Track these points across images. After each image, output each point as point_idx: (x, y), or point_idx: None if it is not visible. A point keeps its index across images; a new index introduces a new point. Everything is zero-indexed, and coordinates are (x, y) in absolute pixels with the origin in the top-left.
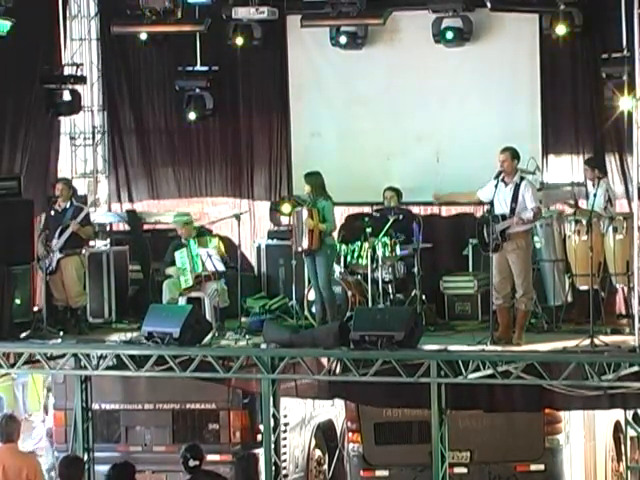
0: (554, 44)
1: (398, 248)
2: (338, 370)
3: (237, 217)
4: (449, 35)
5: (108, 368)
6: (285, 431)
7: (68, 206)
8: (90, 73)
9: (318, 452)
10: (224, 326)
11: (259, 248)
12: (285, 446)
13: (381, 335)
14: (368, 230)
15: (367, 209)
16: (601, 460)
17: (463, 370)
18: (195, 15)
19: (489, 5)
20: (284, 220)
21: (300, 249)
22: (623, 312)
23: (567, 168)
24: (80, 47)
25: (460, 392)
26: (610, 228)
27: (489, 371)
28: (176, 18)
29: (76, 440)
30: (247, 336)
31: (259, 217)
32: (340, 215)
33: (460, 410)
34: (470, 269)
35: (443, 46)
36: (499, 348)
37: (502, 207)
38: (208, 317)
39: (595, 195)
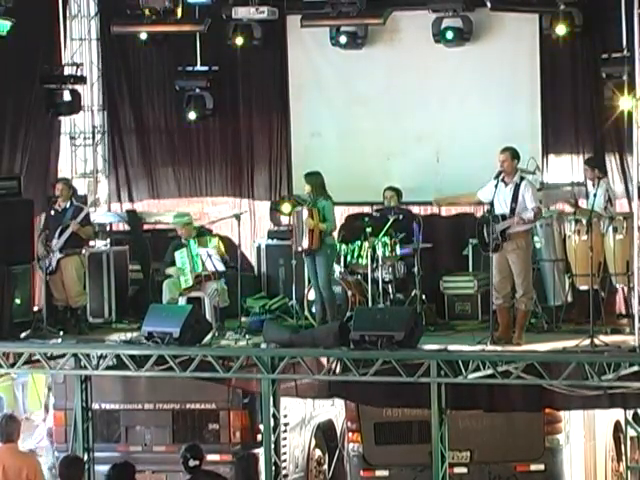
0: (554, 44)
1: (398, 248)
2: (338, 370)
3: (237, 217)
4: (449, 35)
5: (108, 368)
6: (285, 431)
7: (68, 206)
8: (90, 73)
9: (318, 452)
10: (224, 326)
11: (259, 248)
12: (285, 446)
13: (381, 335)
14: (368, 230)
15: (367, 209)
16: (601, 460)
17: (463, 370)
18: (195, 15)
19: (489, 5)
20: (284, 220)
21: (300, 249)
22: (623, 312)
23: (567, 168)
24: (80, 47)
25: (460, 392)
26: (610, 228)
27: (489, 371)
28: (176, 18)
29: (76, 440)
30: (247, 336)
31: (259, 217)
32: (340, 215)
33: (460, 410)
34: (470, 269)
35: (443, 46)
36: (499, 348)
37: (502, 207)
38: (208, 317)
39: (595, 195)
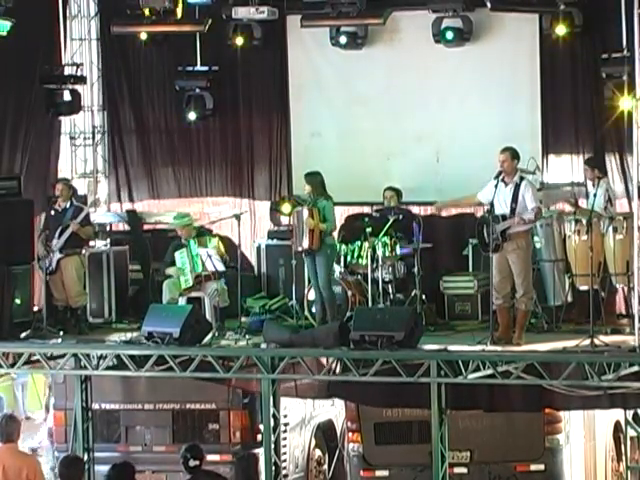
0: (554, 44)
1: (398, 248)
2: (338, 370)
3: (237, 217)
4: (449, 35)
5: (108, 368)
6: (285, 431)
7: (68, 206)
8: (90, 73)
9: (318, 452)
10: (224, 326)
11: (259, 248)
12: (285, 446)
13: (381, 335)
14: (368, 230)
15: (367, 209)
16: (601, 460)
17: (463, 370)
18: (195, 15)
19: (489, 5)
20: (284, 220)
21: (300, 249)
22: (623, 312)
23: (567, 168)
24: (80, 47)
25: (460, 392)
26: (610, 228)
27: (489, 371)
28: (176, 18)
29: (76, 440)
30: (247, 336)
31: (259, 217)
32: (340, 215)
33: (460, 410)
34: (470, 269)
35: (443, 46)
36: (499, 348)
37: (502, 207)
38: (208, 317)
39: (595, 195)
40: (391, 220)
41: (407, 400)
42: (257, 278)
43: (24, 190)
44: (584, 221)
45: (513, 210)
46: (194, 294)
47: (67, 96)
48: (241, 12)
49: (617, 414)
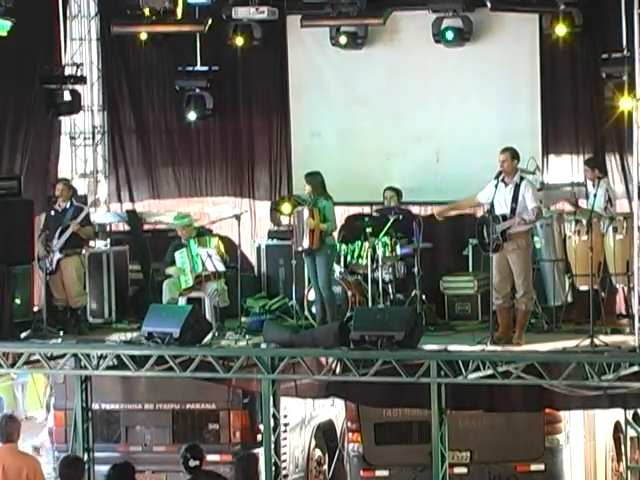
0: (554, 44)
1: (398, 248)
2: (338, 370)
3: (237, 217)
4: (449, 35)
5: (108, 368)
6: (285, 431)
7: (68, 206)
8: (90, 73)
9: (318, 452)
10: (224, 326)
11: (259, 248)
12: (285, 446)
13: (381, 335)
14: (368, 230)
15: (367, 209)
16: (601, 460)
17: (463, 370)
18: (195, 15)
19: (489, 5)
20: (284, 220)
21: (300, 249)
22: (623, 312)
23: (567, 168)
24: (80, 47)
25: (460, 392)
26: (610, 228)
27: (489, 371)
28: (176, 18)
29: (76, 440)
30: (247, 336)
31: (259, 217)
32: (340, 215)
33: (460, 410)
34: (470, 269)
35: (443, 46)
36: (499, 348)
37: (502, 207)
38: (208, 317)
39: (595, 195)
40: (391, 220)
41: (407, 400)
42: (257, 278)
43: (24, 190)
44: (584, 221)
45: (513, 210)
46: (194, 294)
47: (67, 96)
48: (241, 12)
49: (617, 414)
